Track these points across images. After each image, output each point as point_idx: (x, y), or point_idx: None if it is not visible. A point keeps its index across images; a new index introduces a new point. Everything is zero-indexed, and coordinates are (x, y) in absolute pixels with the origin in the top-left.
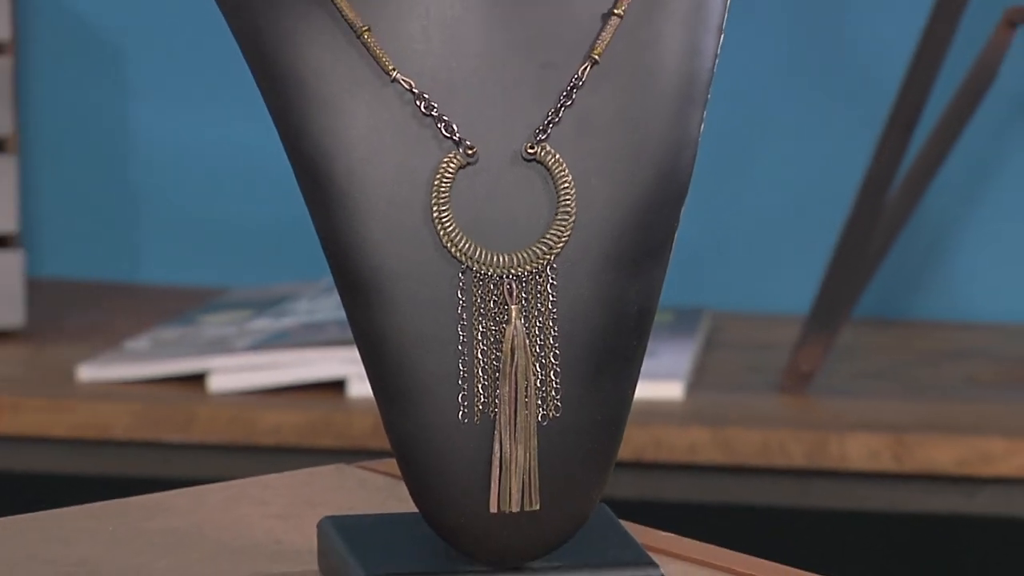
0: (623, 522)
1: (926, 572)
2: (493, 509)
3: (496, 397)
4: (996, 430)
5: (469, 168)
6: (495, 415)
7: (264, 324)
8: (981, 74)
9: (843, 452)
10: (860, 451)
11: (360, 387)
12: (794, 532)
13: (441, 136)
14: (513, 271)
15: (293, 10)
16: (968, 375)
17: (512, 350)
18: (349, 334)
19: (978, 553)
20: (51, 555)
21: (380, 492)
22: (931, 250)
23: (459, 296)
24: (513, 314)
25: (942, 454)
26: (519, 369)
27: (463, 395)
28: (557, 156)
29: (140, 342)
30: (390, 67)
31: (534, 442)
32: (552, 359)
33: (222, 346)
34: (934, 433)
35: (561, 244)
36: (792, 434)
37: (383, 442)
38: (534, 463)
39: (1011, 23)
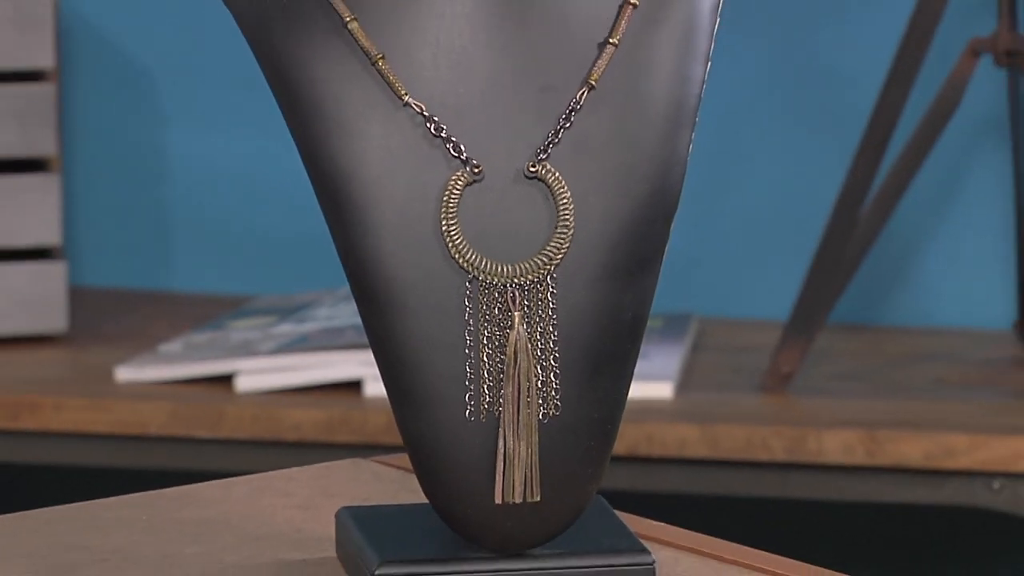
0: (618, 512)
1: (897, 557)
2: (498, 500)
3: (500, 397)
4: (960, 427)
5: (475, 185)
6: (499, 413)
7: (287, 329)
8: (947, 99)
9: (820, 447)
10: (836, 446)
11: (375, 387)
12: (775, 521)
13: (450, 156)
14: (516, 280)
15: (312, 39)
16: (934, 377)
17: (515, 353)
18: (365, 338)
19: (944, 539)
20: (89, 542)
21: (393, 484)
22: (901, 261)
23: (466, 303)
24: (516, 320)
25: (911, 449)
26: (522, 371)
27: (470, 395)
28: (557, 174)
29: (173, 346)
30: (403, 92)
31: (535, 438)
32: (552, 362)
33: (248, 349)
34: (903, 430)
35: (560, 255)
36: (773, 430)
37: (396, 438)
38: (535, 458)
39: (975, 52)
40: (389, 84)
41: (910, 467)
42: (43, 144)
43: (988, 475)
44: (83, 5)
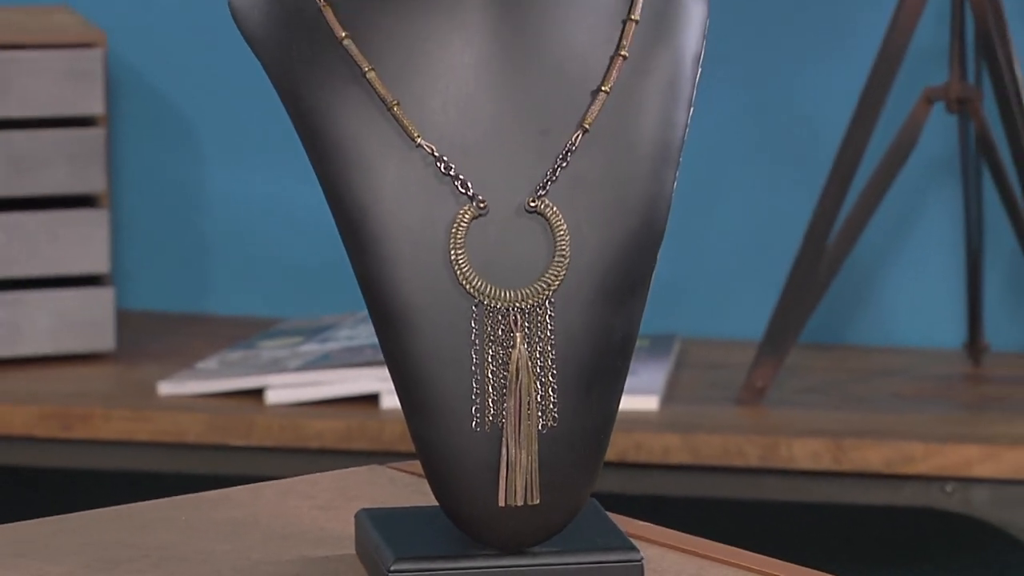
0: (609, 513)
1: (860, 554)
2: (501, 503)
3: (503, 410)
4: (917, 436)
5: (481, 219)
6: (502, 425)
7: (312, 348)
8: (904, 141)
9: (791, 454)
10: (805, 453)
11: (390, 400)
12: (750, 521)
13: (457, 192)
14: (517, 304)
15: (334, 87)
16: (893, 391)
17: (517, 370)
18: (381, 356)
19: (902, 538)
20: (134, 541)
21: (407, 488)
22: (863, 287)
23: (472, 325)
24: (518, 340)
25: (873, 456)
26: (523, 386)
27: (476, 408)
28: (554, 208)
29: (209, 363)
30: (415, 135)
31: (535, 447)
32: (550, 378)
33: (277, 366)
34: (866, 439)
35: (558, 282)
36: (748, 439)
37: (409, 446)
38: (535, 465)
39: (929, 100)
40: (403, 128)
41: (872, 472)
42: (93, 182)
43: (942, 480)
44: (129, 57)
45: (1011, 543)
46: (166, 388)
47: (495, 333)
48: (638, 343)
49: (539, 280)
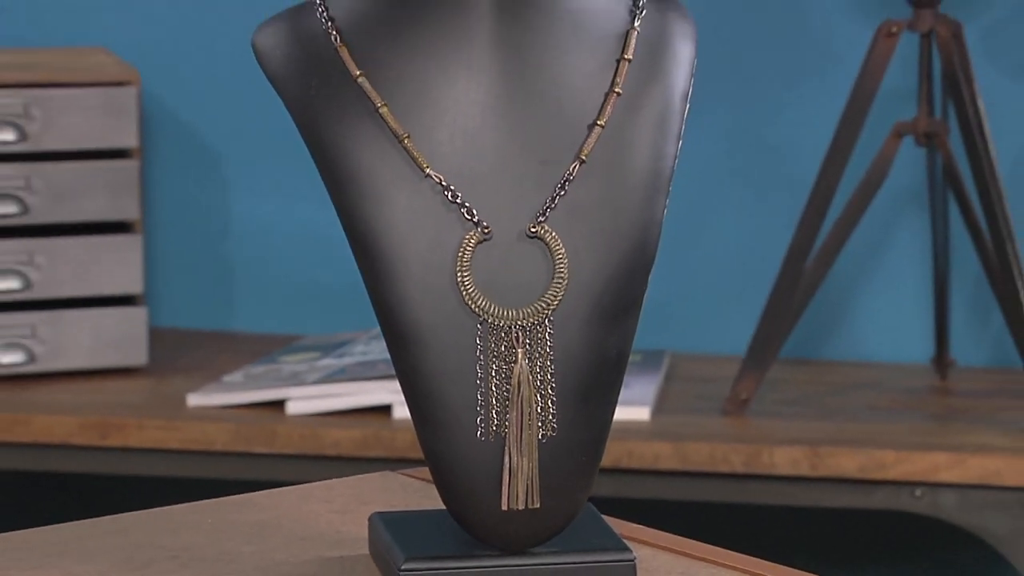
0: (604, 516)
1: (836, 553)
2: (504, 507)
3: (506, 420)
4: (888, 445)
5: (485, 243)
6: (505, 434)
7: (329, 363)
8: (876, 172)
9: (772, 461)
10: (785, 460)
11: (401, 411)
12: (735, 523)
13: (464, 219)
14: (519, 323)
15: (349, 121)
16: (866, 403)
17: (518, 384)
18: (393, 371)
19: (875, 539)
20: (164, 542)
21: (417, 493)
22: (838, 307)
23: (477, 342)
24: (519, 356)
25: (847, 462)
26: (524, 399)
27: (480, 419)
28: (554, 234)
29: (235, 376)
30: (425, 166)
31: (535, 455)
32: (550, 391)
33: (297, 380)
34: (841, 447)
35: (557, 302)
36: (732, 447)
37: (420, 454)
38: (535, 471)
39: (899, 134)
40: (413, 159)
41: (847, 478)
42: (128, 210)
43: (912, 484)
44: (161, 94)
45: (976, 544)
46: (195, 400)
47: (498, 349)
48: (631, 358)
49: (539, 300)
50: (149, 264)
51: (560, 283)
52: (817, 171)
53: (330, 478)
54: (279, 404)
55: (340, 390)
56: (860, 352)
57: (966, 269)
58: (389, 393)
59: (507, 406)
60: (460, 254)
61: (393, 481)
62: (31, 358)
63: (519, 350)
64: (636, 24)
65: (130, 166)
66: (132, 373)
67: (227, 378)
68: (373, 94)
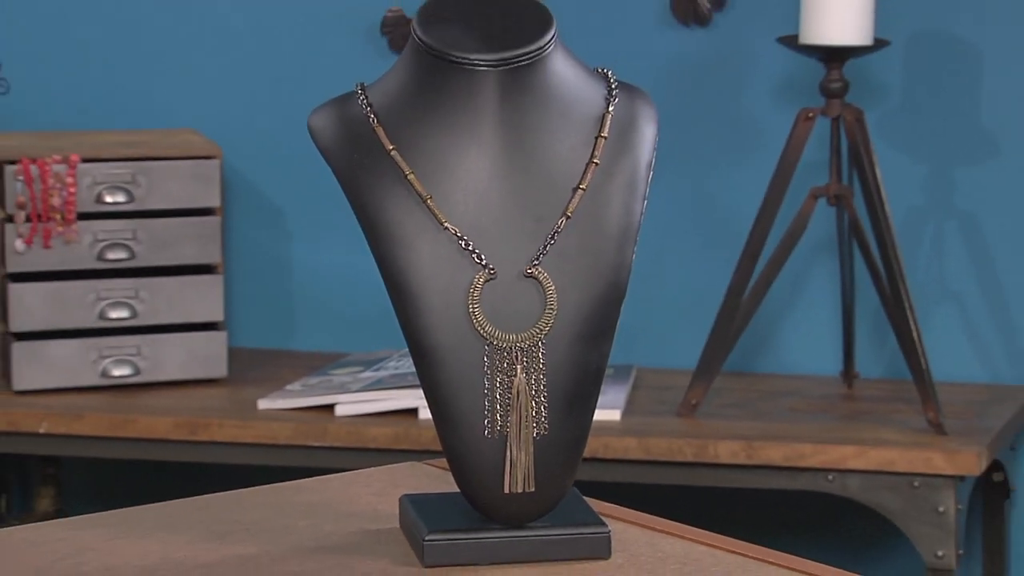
0: (586, 498)
1: (767, 525)
2: (506, 491)
3: (507, 422)
4: (807, 439)
5: (491, 282)
6: (507, 433)
7: (369, 375)
8: (797, 226)
9: (716, 452)
10: (726, 452)
11: (425, 414)
12: (688, 501)
13: (475, 263)
14: (518, 345)
15: (384, 185)
16: (790, 406)
17: (518, 393)
18: (419, 382)
19: (798, 514)
20: (237, 518)
21: (437, 480)
22: (767, 331)
23: (484, 360)
24: (518, 371)
25: (775, 453)
26: (522, 405)
27: (487, 421)
28: (546, 275)
29: (295, 386)
30: (443, 221)
31: (531, 450)
32: (543, 399)
33: (344, 388)
34: (770, 441)
35: (548, 328)
36: (686, 442)
37: (439, 448)
38: (531, 462)
39: (814, 196)
40: (435, 216)
41: (775, 465)
42: (212, 255)
43: (826, 471)
44: (239, 164)
45: (877, 518)
46: (264, 404)
47: (501, 366)
48: (606, 372)
49: (534, 327)
50: (228, 298)
51: (551, 313)
52: (751, 225)
53: (369, 467)
54: (330, 408)
55: (378, 396)
56: (785, 366)
57: (867, 301)
58: (416, 399)
59: (508, 411)
60: (471, 291)
61: (419, 470)
62: (136, 371)
63: (518, 366)
64: (610, 109)
65: (214, 221)
66: (214, 383)
67: (289, 387)
68: (403, 164)
